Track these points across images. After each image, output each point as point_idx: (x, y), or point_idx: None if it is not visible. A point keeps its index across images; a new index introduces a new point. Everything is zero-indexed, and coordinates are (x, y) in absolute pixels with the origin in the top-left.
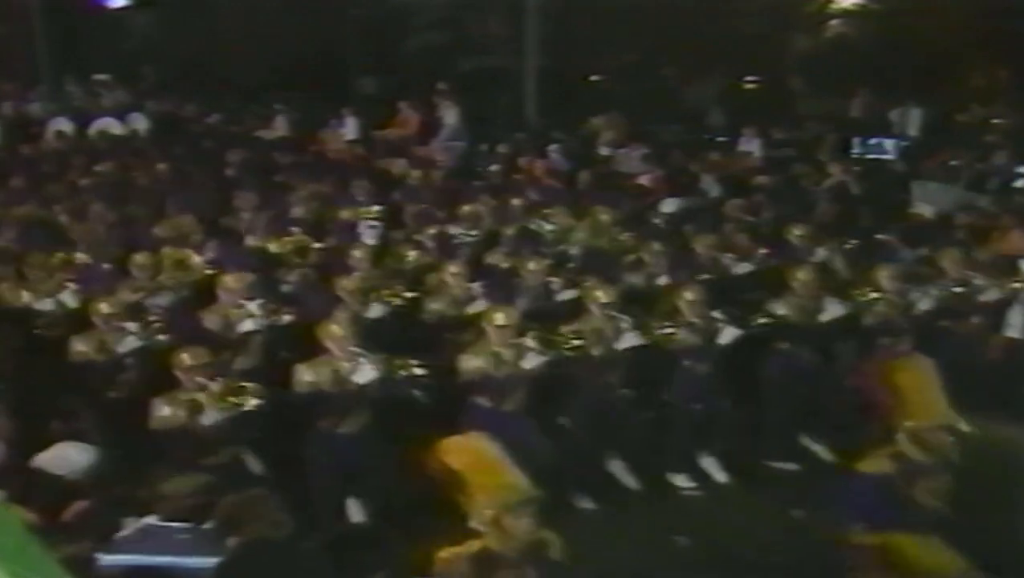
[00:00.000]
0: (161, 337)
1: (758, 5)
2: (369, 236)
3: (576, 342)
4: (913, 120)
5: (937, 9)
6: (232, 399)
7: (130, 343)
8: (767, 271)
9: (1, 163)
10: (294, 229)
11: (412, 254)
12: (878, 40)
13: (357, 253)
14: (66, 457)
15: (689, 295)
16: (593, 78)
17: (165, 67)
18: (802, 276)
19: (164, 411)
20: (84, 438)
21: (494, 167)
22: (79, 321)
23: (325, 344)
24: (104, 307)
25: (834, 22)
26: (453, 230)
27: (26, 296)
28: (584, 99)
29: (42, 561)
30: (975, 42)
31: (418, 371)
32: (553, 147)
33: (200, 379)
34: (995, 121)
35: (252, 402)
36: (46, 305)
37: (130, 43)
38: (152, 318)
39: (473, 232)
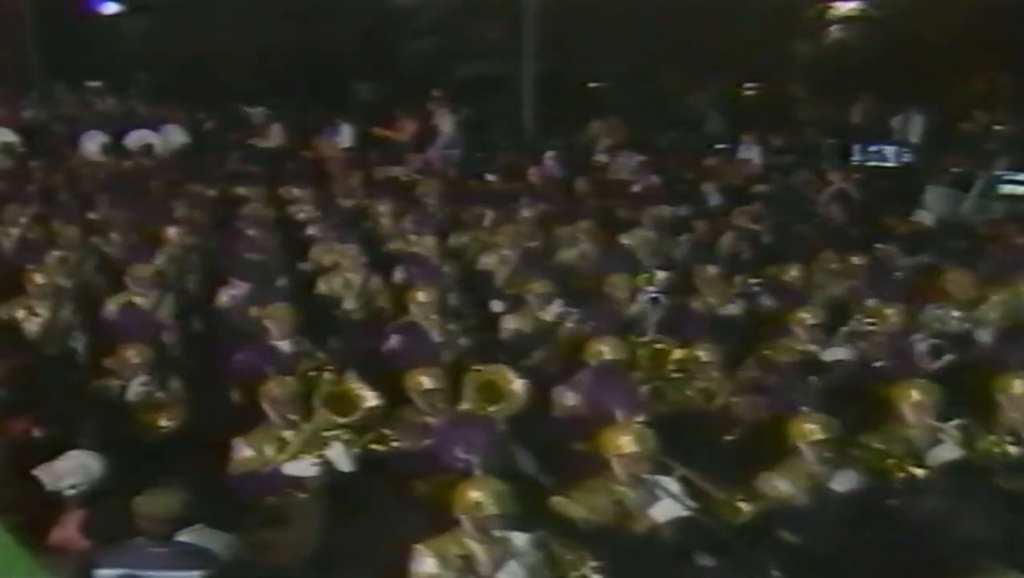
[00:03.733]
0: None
1: (757, 10)
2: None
3: None
4: (915, 126)
5: (938, 14)
6: None
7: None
8: None
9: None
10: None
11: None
12: (879, 45)
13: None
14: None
15: None
16: (591, 84)
17: (159, 73)
18: None
19: None
20: None
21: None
22: None
23: None
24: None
25: (834, 27)
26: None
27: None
28: (582, 105)
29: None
30: (977, 47)
31: None
32: (549, 154)
33: None
34: (997, 128)
35: None
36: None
37: (124, 49)
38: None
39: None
